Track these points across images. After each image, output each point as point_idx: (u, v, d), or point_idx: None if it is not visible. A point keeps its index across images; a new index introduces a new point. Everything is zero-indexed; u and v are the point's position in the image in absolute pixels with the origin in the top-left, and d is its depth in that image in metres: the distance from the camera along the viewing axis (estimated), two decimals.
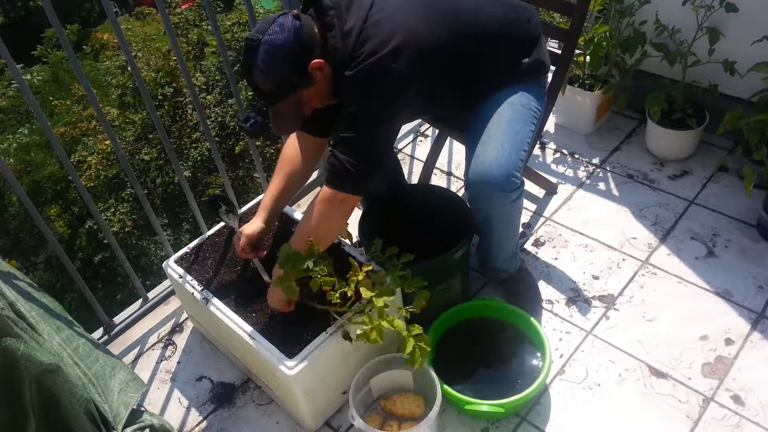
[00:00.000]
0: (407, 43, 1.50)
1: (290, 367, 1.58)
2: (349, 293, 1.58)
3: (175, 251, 1.98)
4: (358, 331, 1.56)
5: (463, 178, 2.55)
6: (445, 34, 1.59)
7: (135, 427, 1.42)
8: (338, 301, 1.57)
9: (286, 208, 2.02)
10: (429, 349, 1.58)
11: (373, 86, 1.51)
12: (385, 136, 1.59)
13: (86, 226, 7.45)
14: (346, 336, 1.65)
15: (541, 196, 2.44)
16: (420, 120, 2.77)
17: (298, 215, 2.00)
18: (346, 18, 1.52)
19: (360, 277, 1.58)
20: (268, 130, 1.59)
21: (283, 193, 1.84)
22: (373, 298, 1.56)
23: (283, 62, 1.47)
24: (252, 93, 1.54)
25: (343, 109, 1.57)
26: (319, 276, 1.55)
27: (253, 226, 1.80)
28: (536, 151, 2.64)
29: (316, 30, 1.52)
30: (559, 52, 2.07)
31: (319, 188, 2.61)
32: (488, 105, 1.74)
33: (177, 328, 2.17)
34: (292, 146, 1.83)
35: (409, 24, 1.53)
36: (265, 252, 1.83)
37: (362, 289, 1.58)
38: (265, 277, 1.78)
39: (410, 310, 1.61)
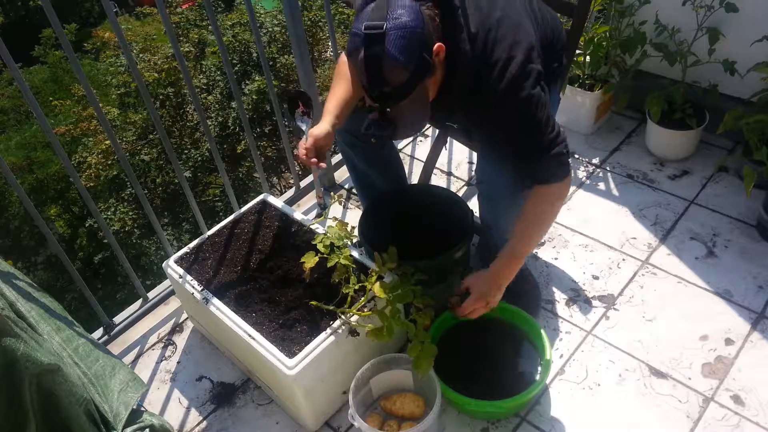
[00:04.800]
0: (531, 44, 1.44)
1: (290, 367, 1.58)
2: (369, 286, 1.61)
3: (176, 251, 1.98)
4: (370, 326, 1.59)
5: (464, 177, 2.56)
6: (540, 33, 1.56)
7: (135, 427, 1.42)
8: (354, 294, 1.62)
9: (286, 208, 2.02)
10: (433, 357, 1.62)
11: (521, 94, 1.43)
12: (548, 115, 1.50)
13: (86, 226, 7.45)
14: (353, 332, 1.66)
15: None
16: None
17: (298, 215, 1.99)
18: (468, 11, 1.41)
19: (385, 271, 1.63)
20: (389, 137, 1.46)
21: (349, 100, 1.69)
22: (388, 301, 1.61)
23: (419, 46, 1.32)
24: (363, 99, 1.39)
25: (484, 120, 1.52)
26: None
27: (321, 128, 1.63)
28: None
29: (429, 12, 1.37)
30: None
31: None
32: None
33: (177, 328, 2.17)
34: (345, 63, 1.65)
35: (523, 22, 1.46)
36: (324, 165, 1.66)
37: (377, 290, 1.60)
38: (319, 189, 1.65)
39: (421, 313, 1.65)
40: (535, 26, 1.56)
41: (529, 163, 1.53)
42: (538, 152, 1.50)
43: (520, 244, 1.63)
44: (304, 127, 1.71)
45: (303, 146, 1.61)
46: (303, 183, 2.60)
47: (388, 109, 1.39)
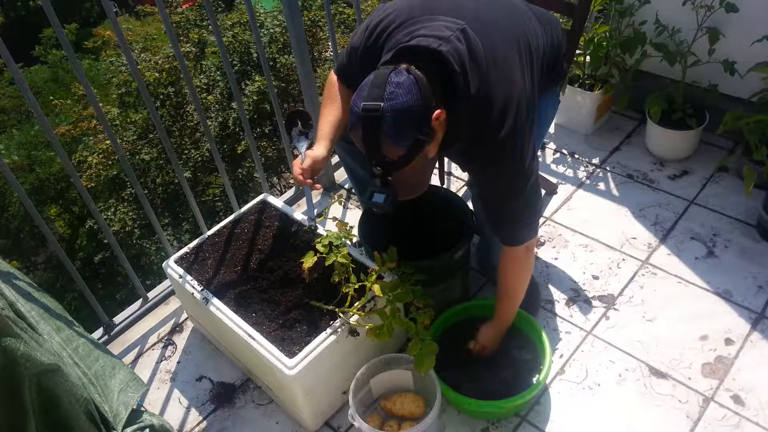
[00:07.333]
0: (521, 97, 1.45)
1: (290, 367, 1.58)
2: (369, 286, 1.62)
3: (176, 251, 1.98)
4: (370, 325, 1.59)
5: (463, 177, 2.56)
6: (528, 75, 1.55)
7: (135, 427, 1.42)
8: (354, 294, 1.63)
9: (286, 208, 2.03)
10: (434, 355, 1.62)
11: (512, 153, 1.47)
12: (536, 178, 1.56)
13: (86, 226, 7.44)
14: (353, 332, 1.66)
15: None
16: None
17: (297, 215, 2.00)
18: (468, 75, 1.40)
19: (384, 271, 1.64)
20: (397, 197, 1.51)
21: (341, 121, 1.69)
22: (388, 300, 1.61)
23: (415, 124, 1.34)
24: (373, 163, 1.42)
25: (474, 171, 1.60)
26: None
27: (318, 151, 1.65)
28: None
29: (425, 79, 1.37)
30: None
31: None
32: None
33: (177, 328, 2.17)
34: (335, 85, 1.72)
35: (515, 73, 1.46)
36: (320, 186, 1.70)
37: (376, 289, 1.61)
38: (310, 210, 1.71)
39: (422, 313, 1.66)
40: (538, 63, 1.55)
41: (498, 225, 1.61)
42: (511, 221, 1.57)
43: (502, 316, 1.78)
44: (301, 147, 1.73)
45: (299, 166, 1.63)
46: None
47: (389, 178, 1.44)
